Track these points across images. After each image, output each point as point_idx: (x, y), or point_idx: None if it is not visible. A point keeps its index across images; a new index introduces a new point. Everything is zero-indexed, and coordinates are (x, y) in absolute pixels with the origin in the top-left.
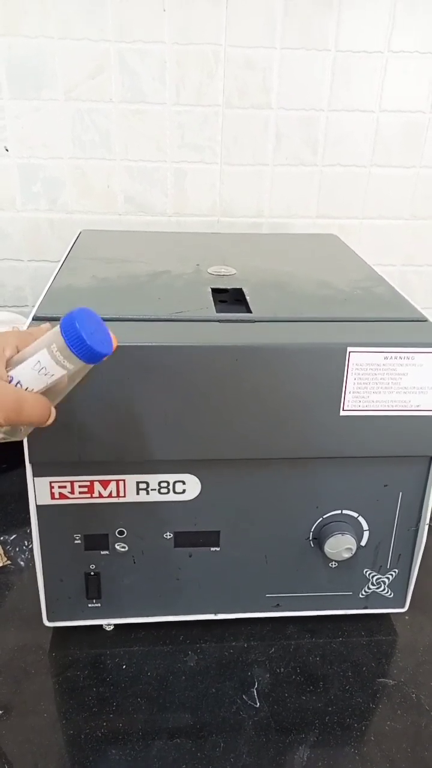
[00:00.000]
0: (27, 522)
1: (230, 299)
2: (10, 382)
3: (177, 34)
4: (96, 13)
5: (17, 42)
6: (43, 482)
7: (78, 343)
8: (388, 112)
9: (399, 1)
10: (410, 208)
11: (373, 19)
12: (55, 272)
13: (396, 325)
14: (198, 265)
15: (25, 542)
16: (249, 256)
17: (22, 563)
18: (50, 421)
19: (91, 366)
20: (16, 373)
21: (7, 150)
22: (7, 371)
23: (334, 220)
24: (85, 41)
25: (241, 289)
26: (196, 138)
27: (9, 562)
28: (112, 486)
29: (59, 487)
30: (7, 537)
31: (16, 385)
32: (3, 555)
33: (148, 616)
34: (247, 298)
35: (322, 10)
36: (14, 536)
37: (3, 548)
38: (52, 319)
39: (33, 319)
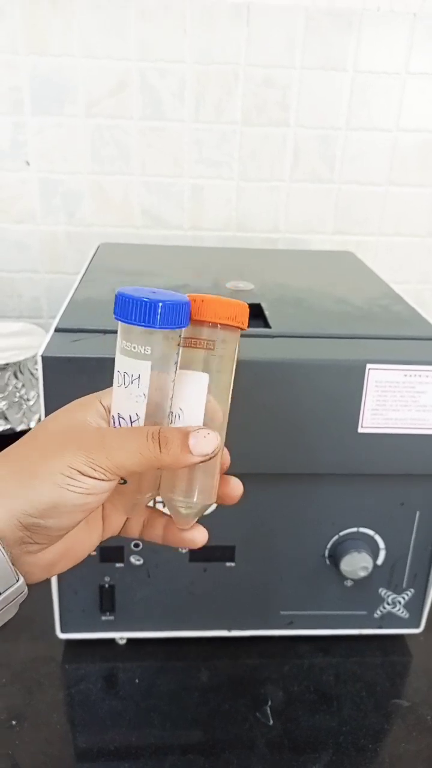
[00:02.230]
0: None
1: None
2: (112, 425)
3: (198, 53)
4: (119, 32)
5: (42, 60)
6: None
7: (127, 306)
8: (405, 132)
9: (417, 23)
10: (427, 226)
11: (392, 40)
12: (76, 284)
13: (415, 343)
14: (216, 279)
15: None
16: (266, 272)
17: None
18: (207, 447)
19: (177, 339)
20: (113, 409)
21: (28, 164)
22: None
23: (351, 237)
24: (107, 60)
25: (259, 304)
26: (214, 154)
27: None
28: None
29: None
30: None
31: (116, 424)
32: None
33: (161, 630)
34: (266, 313)
35: (341, 31)
36: None
37: None
38: (73, 331)
39: (55, 331)
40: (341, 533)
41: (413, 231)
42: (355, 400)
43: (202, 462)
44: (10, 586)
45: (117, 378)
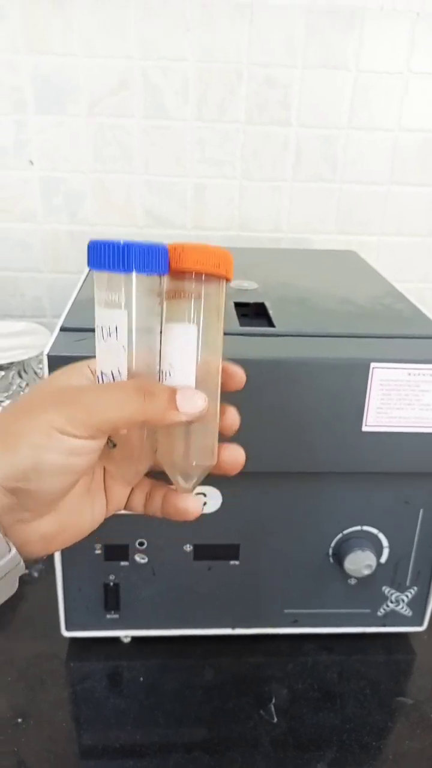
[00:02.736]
0: None
1: (252, 313)
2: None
3: (200, 52)
4: (120, 31)
5: (43, 59)
6: None
7: (99, 252)
8: (407, 131)
9: (420, 22)
10: (428, 225)
11: (394, 39)
12: (80, 284)
13: (419, 342)
14: None
15: None
16: (269, 271)
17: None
18: (195, 406)
19: (156, 286)
20: (97, 368)
21: (32, 163)
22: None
23: (353, 237)
24: (109, 58)
25: (263, 303)
26: (217, 153)
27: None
28: None
29: None
30: None
31: (100, 382)
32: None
33: (165, 628)
34: (270, 312)
35: (343, 30)
36: None
37: None
38: (78, 330)
39: (60, 330)
40: (345, 531)
41: (415, 230)
42: (359, 398)
43: (188, 422)
44: (2, 557)
45: (97, 334)
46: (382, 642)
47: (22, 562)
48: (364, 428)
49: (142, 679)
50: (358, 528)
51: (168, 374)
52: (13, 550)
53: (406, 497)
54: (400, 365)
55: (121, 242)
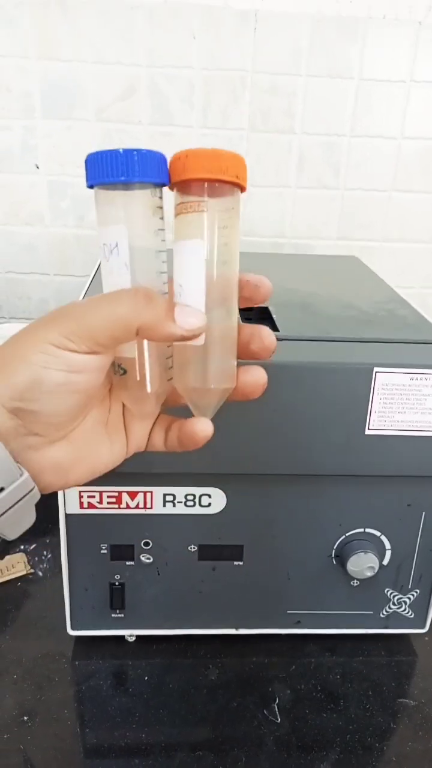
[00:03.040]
0: (46, 532)
1: (255, 318)
2: None
3: (205, 59)
4: (128, 38)
5: (52, 65)
6: (73, 491)
7: (94, 165)
8: (409, 139)
9: (422, 32)
10: (430, 231)
11: (397, 48)
12: (87, 286)
13: (421, 347)
14: None
15: (45, 552)
16: (273, 276)
17: (40, 573)
18: (192, 322)
19: (153, 198)
20: (103, 289)
21: (38, 167)
22: None
23: (355, 243)
24: (117, 65)
25: (267, 307)
26: None
27: (32, 570)
28: (140, 497)
29: (88, 496)
30: (27, 546)
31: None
32: (26, 564)
33: (170, 628)
34: (274, 316)
35: (347, 39)
36: (34, 546)
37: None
38: None
39: None
40: (348, 534)
41: (416, 237)
42: (362, 402)
43: (184, 339)
44: (13, 482)
45: (101, 253)
46: (384, 643)
47: (36, 489)
48: (367, 432)
49: (146, 678)
50: (360, 530)
51: (179, 295)
52: (25, 474)
53: (409, 500)
54: (403, 370)
55: (120, 150)
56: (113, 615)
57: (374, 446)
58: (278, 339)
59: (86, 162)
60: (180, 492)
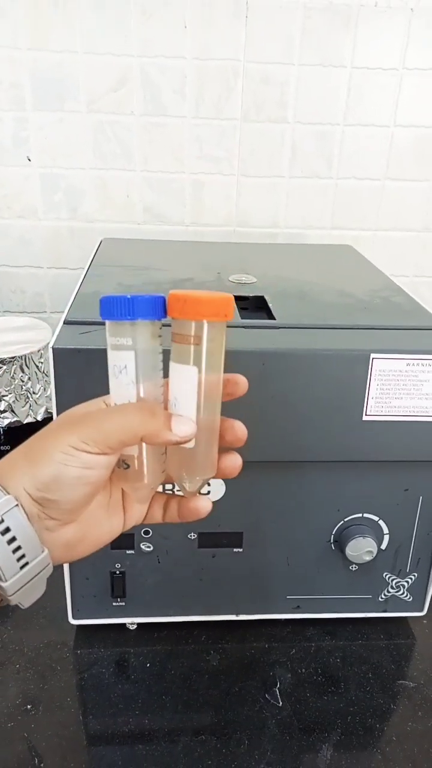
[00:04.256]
0: None
1: (252, 307)
2: None
3: (198, 49)
4: (119, 29)
5: (43, 56)
6: None
7: (107, 306)
8: (402, 127)
9: (414, 19)
10: (423, 220)
11: (389, 37)
12: (81, 279)
13: (417, 332)
14: (219, 273)
15: None
16: (268, 266)
17: None
18: (184, 431)
19: (155, 335)
20: (111, 401)
21: (29, 160)
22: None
23: (348, 232)
24: (109, 56)
25: (263, 296)
26: (214, 150)
27: None
28: None
29: None
30: None
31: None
32: None
33: (171, 615)
34: (270, 305)
35: (338, 28)
36: None
37: None
38: (81, 323)
39: (64, 323)
40: (346, 519)
41: (409, 225)
42: (359, 388)
43: (178, 444)
44: (36, 557)
45: (110, 372)
46: (383, 627)
47: (50, 564)
48: (365, 418)
49: (148, 665)
50: (359, 515)
51: (174, 405)
52: (45, 552)
53: (406, 485)
54: (399, 356)
55: (128, 296)
56: (114, 603)
57: (372, 432)
58: (275, 327)
59: (101, 303)
60: None
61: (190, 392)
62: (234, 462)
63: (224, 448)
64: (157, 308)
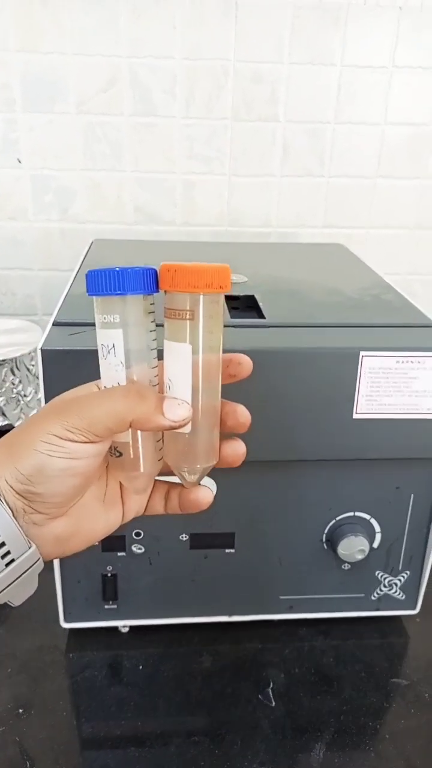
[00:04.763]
0: None
1: (242, 306)
2: None
3: (187, 49)
4: (109, 29)
5: (32, 57)
6: None
7: (94, 280)
8: (393, 125)
9: (403, 18)
10: (415, 218)
11: (378, 35)
12: (71, 280)
13: (407, 330)
14: None
15: None
16: (259, 265)
17: None
18: (178, 414)
19: (144, 307)
20: (101, 384)
21: (19, 161)
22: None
23: (341, 230)
24: (98, 57)
25: (253, 296)
26: (205, 150)
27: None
28: None
29: None
30: None
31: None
32: None
33: (163, 617)
34: (260, 304)
35: (328, 26)
36: None
37: None
38: (71, 325)
39: (53, 325)
40: (338, 518)
41: (401, 223)
42: (349, 387)
43: (172, 429)
44: (23, 553)
45: (99, 352)
46: (376, 625)
47: (41, 560)
48: (355, 416)
49: (141, 667)
50: (350, 514)
51: (168, 387)
52: (33, 547)
53: (398, 483)
54: (389, 353)
55: (117, 269)
56: (106, 606)
57: (362, 430)
58: (264, 326)
59: (87, 277)
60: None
61: (185, 372)
62: (237, 449)
63: (225, 434)
64: (148, 281)
